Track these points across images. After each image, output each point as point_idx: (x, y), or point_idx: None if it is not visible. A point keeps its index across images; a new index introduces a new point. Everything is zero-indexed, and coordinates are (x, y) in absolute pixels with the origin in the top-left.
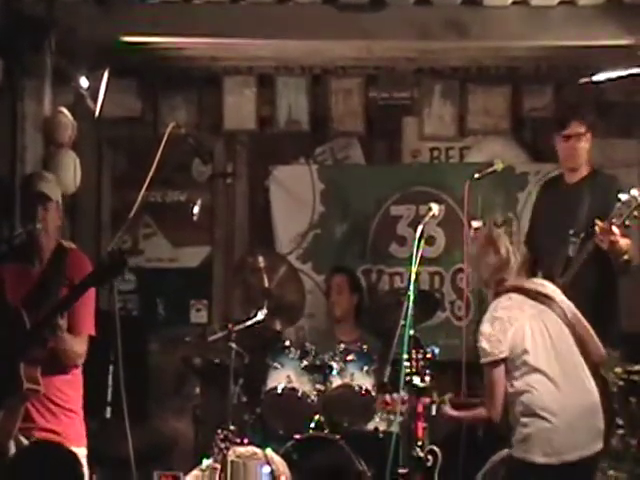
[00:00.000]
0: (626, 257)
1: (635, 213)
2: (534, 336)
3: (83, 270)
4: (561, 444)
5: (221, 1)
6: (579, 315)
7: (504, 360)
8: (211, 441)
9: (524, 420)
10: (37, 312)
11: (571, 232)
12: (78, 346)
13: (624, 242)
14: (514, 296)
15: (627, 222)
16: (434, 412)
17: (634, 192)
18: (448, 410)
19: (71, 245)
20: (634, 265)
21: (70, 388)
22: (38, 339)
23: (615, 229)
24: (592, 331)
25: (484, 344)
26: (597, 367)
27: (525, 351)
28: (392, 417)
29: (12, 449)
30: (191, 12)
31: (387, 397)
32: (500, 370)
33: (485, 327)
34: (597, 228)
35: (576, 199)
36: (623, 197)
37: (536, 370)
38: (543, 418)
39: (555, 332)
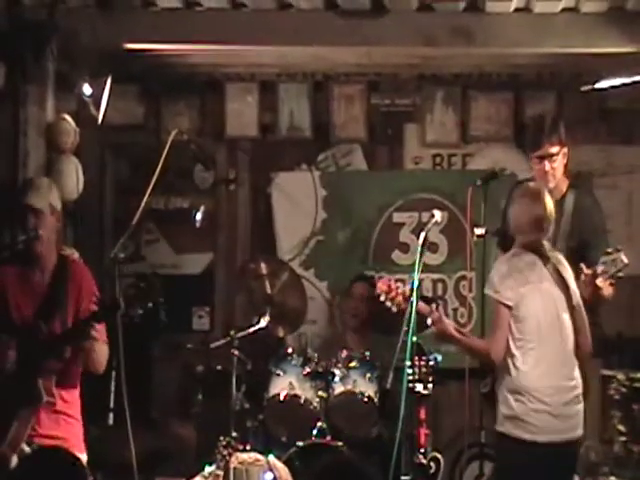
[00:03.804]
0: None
1: (620, 274)
2: (546, 315)
3: (85, 282)
4: (549, 426)
5: (223, 8)
6: (581, 305)
7: (509, 307)
8: (213, 448)
9: (516, 397)
10: (50, 325)
11: None
12: (106, 352)
13: (607, 291)
14: (538, 262)
15: (612, 280)
16: (429, 322)
17: (622, 255)
18: (446, 322)
19: (74, 254)
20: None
21: (70, 395)
22: (56, 353)
23: (600, 282)
24: (586, 323)
25: (496, 279)
26: (582, 366)
27: (529, 320)
28: (390, 304)
29: (14, 458)
30: (193, 19)
31: (391, 281)
32: (505, 312)
33: (503, 266)
34: (582, 276)
35: (557, 221)
36: (610, 254)
37: (536, 348)
38: (535, 398)
39: (564, 321)
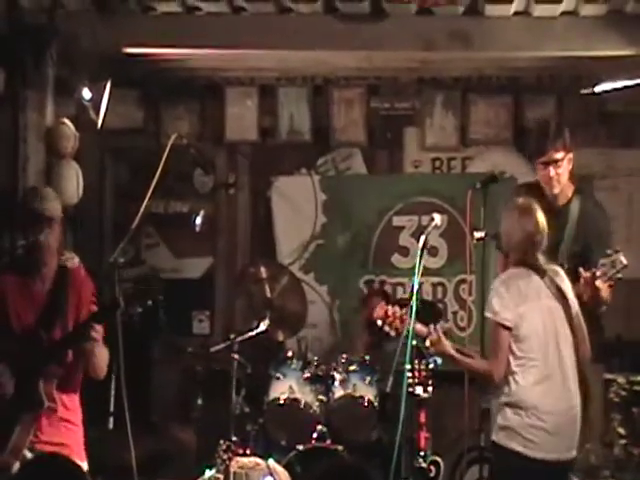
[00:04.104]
0: (604, 308)
1: (619, 275)
2: (546, 332)
3: (85, 289)
4: (545, 443)
5: (223, 12)
6: (580, 315)
7: (508, 329)
8: (213, 452)
9: (514, 410)
10: (51, 332)
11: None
12: (107, 356)
13: (606, 294)
14: (535, 277)
15: (611, 282)
16: (427, 343)
17: (621, 256)
18: (445, 344)
19: (74, 259)
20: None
21: (72, 401)
22: (57, 357)
23: (599, 283)
24: (586, 333)
25: (494, 301)
26: (583, 373)
27: (530, 339)
28: (388, 329)
29: (16, 464)
30: (193, 23)
31: (389, 308)
32: (505, 335)
33: (501, 287)
34: (581, 279)
35: (562, 226)
36: (609, 256)
37: (537, 365)
38: (533, 415)
39: (563, 335)
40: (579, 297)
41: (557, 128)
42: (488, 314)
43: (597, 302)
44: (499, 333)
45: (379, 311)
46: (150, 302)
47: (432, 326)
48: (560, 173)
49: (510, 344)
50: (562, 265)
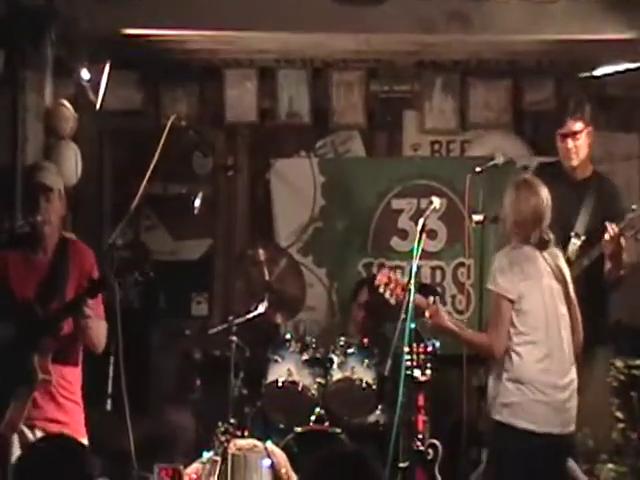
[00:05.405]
0: (622, 271)
1: None
2: (546, 309)
3: (86, 261)
4: (547, 418)
5: None
6: (575, 301)
7: (511, 301)
8: (212, 434)
9: (511, 386)
10: (48, 304)
11: (573, 233)
12: (104, 329)
13: (625, 255)
14: (537, 255)
15: (638, 236)
16: (427, 315)
17: None
18: (443, 316)
19: (72, 237)
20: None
21: (74, 378)
22: (51, 330)
23: (623, 241)
24: (580, 320)
25: (498, 274)
26: (576, 356)
27: (531, 314)
28: (388, 296)
29: (15, 441)
30: (192, 4)
31: (390, 273)
32: (507, 306)
33: (503, 261)
34: (606, 235)
35: (580, 199)
36: (635, 209)
37: (537, 341)
38: (537, 389)
39: (562, 315)
40: (600, 257)
41: (577, 102)
42: (490, 286)
43: (617, 263)
44: (501, 305)
45: (381, 277)
46: (138, 274)
47: (431, 298)
48: (579, 146)
49: (512, 318)
50: (578, 235)
